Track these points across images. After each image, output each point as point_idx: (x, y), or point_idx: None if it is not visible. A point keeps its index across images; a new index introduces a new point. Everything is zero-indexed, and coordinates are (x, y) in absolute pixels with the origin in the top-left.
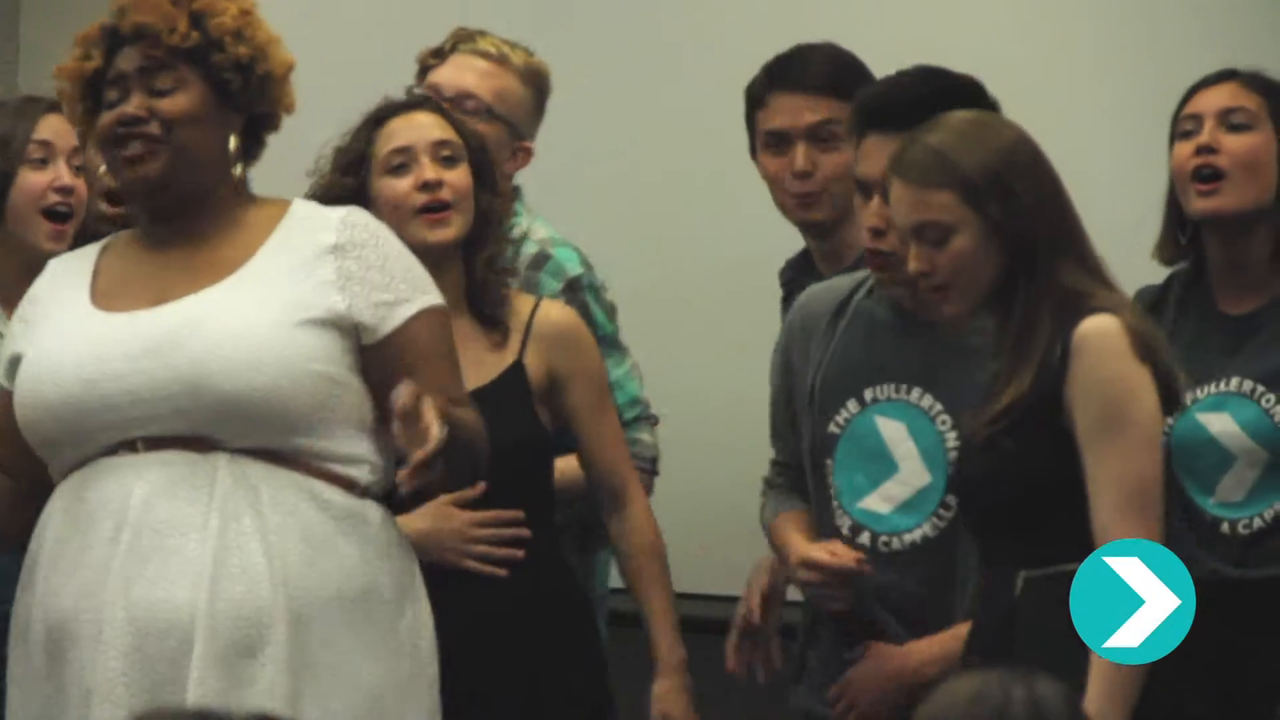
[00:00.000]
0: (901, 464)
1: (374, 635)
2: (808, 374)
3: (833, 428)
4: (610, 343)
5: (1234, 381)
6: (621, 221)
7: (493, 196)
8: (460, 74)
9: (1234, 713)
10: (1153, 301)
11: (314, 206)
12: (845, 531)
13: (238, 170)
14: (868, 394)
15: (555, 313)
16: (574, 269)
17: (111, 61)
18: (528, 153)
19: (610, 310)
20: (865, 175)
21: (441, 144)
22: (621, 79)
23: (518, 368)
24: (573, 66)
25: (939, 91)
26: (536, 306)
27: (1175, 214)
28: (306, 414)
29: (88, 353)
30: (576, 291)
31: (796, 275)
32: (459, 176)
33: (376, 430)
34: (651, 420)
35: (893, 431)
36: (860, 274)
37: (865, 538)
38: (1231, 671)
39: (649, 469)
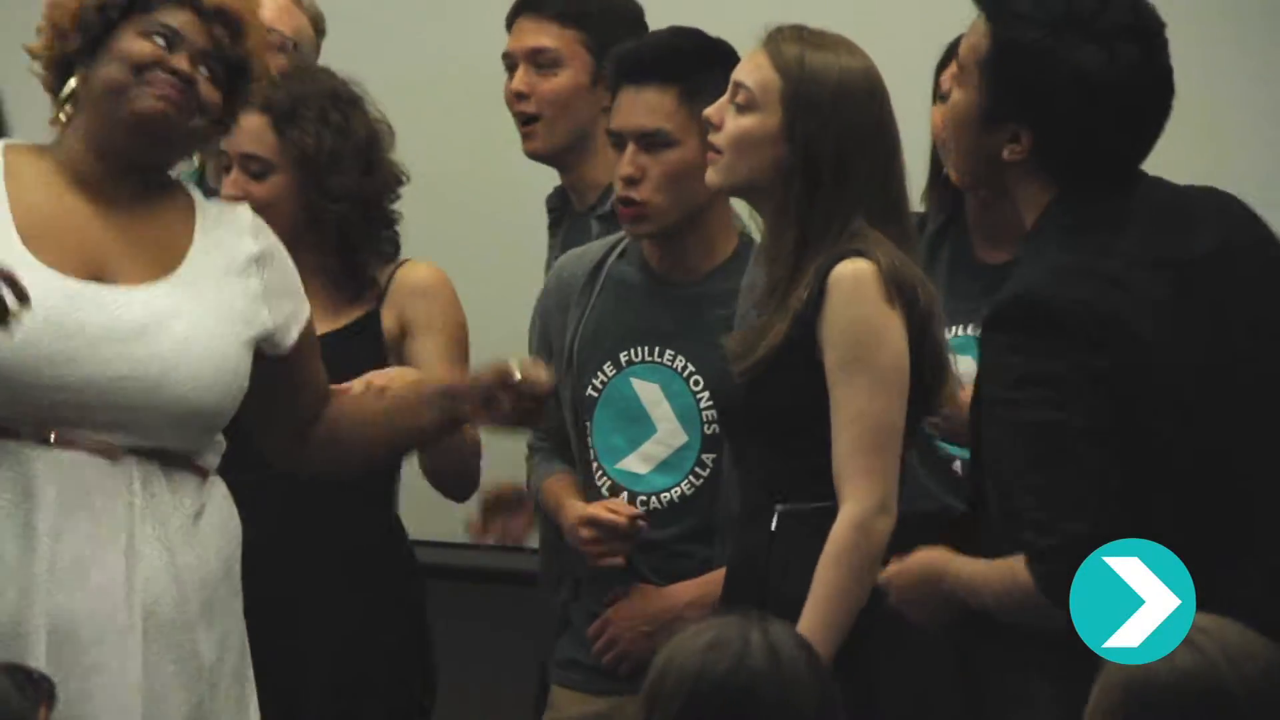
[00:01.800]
0: (659, 424)
1: (236, 601)
2: (565, 339)
3: (590, 391)
4: None
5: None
6: None
7: (324, 201)
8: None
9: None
10: None
11: (210, 199)
12: (605, 492)
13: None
14: (623, 356)
15: (419, 270)
16: None
17: (153, 5)
18: None
19: None
20: (619, 127)
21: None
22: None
23: (372, 317)
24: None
25: (694, 48)
26: (400, 264)
27: (938, 169)
28: (225, 423)
29: (41, 320)
30: None
31: (562, 203)
32: None
33: None
34: None
35: (649, 393)
36: (613, 237)
37: (624, 498)
38: None
39: None
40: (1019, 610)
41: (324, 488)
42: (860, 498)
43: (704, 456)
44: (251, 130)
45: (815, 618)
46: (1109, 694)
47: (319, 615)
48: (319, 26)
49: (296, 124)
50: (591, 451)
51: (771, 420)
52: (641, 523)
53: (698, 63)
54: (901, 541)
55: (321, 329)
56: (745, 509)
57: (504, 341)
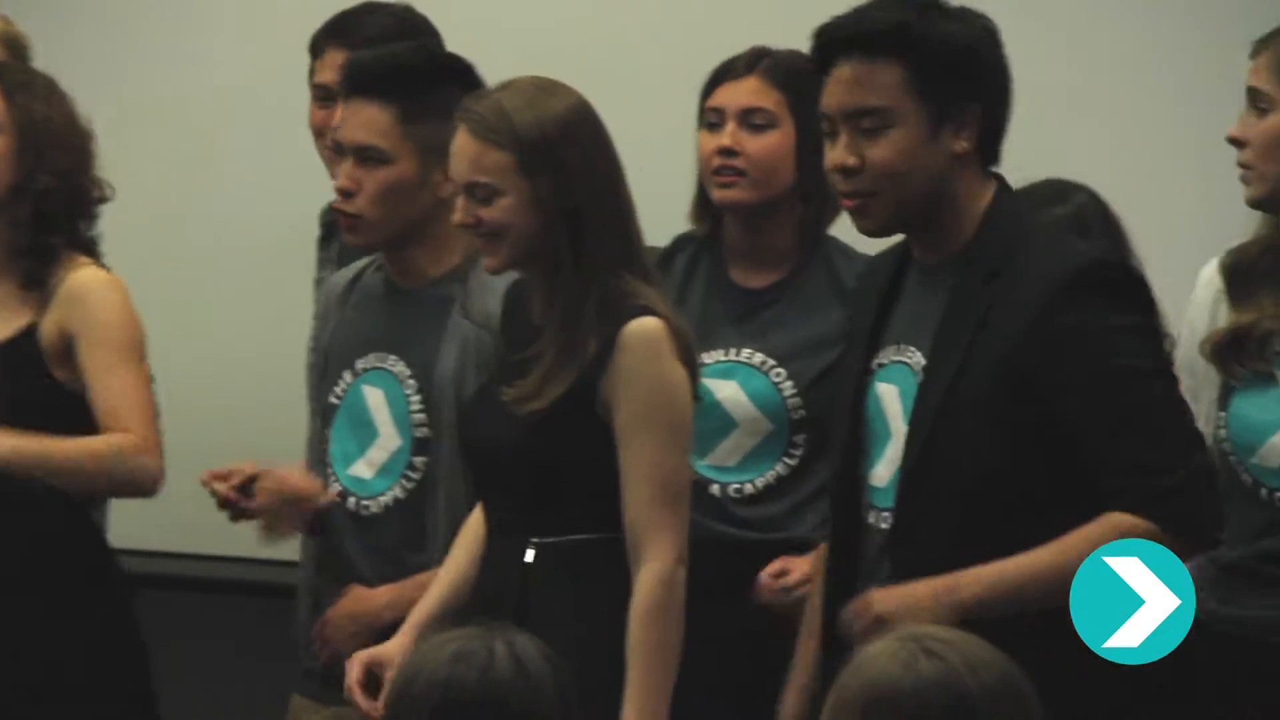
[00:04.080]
0: (380, 429)
1: None
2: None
3: (333, 398)
4: None
5: (745, 352)
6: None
7: (38, 171)
8: None
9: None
10: (661, 258)
11: None
12: (337, 497)
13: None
14: (359, 364)
15: (84, 274)
16: None
17: None
18: None
19: None
20: (339, 138)
21: None
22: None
23: (31, 330)
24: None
25: (423, 67)
26: (75, 270)
27: (703, 194)
28: None
29: None
30: None
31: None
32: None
33: None
34: None
35: (375, 399)
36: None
37: (351, 502)
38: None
39: None
40: None
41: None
42: (662, 554)
43: (414, 460)
44: None
45: (644, 679)
46: (848, 704)
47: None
48: (11, 46)
49: (28, 91)
50: (329, 458)
51: (544, 467)
52: (323, 496)
53: (423, 82)
54: None
55: None
56: (496, 539)
57: None
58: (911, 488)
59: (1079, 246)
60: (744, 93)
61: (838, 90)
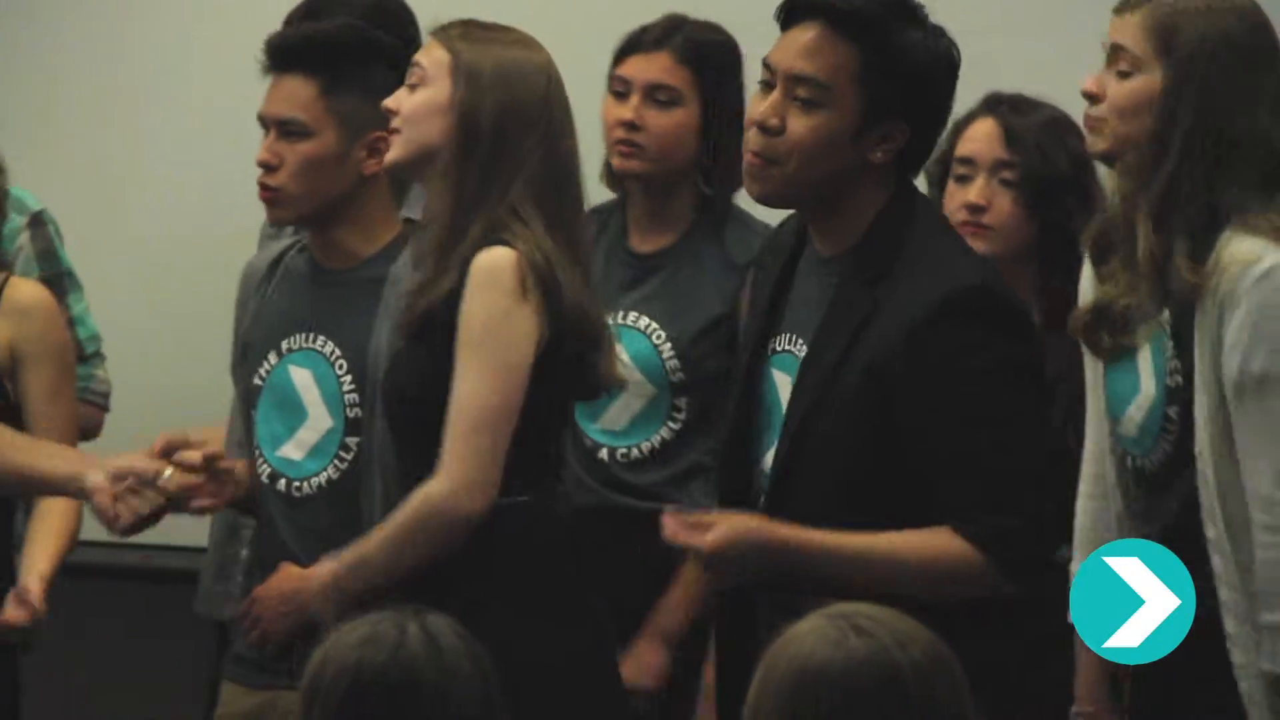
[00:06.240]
0: (310, 410)
1: None
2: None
3: (257, 380)
4: (71, 278)
5: (631, 315)
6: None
7: None
8: None
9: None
10: None
11: None
12: (265, 479)
13: None
14: (284, 344)
15: (25, 290)
16: (34, 203)
17: None
18: None
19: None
20: (262, 113)
21: None
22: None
23: None
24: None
25: (344, 41)
26: (5, 283)
27: (609, 163)
28: None
29: None
30: (40, 225)
31: None
32: None
33: None
34: (103, 356)
35: (302, 379)
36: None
37: (282, 484)
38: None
39: (104, 405)
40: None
41: None
42: (445, 476)
43: (347, 440)
44: None
45: (359, 554)
46: (777, 683)
47: None
48: None
49: None
50: (256, 440)
51: (419, 388)
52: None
53: (345, 56)
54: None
55: None
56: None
57: None
58: (781, 481)
59: (959, 267)
60: (653, 68)
61: (791, 50)
